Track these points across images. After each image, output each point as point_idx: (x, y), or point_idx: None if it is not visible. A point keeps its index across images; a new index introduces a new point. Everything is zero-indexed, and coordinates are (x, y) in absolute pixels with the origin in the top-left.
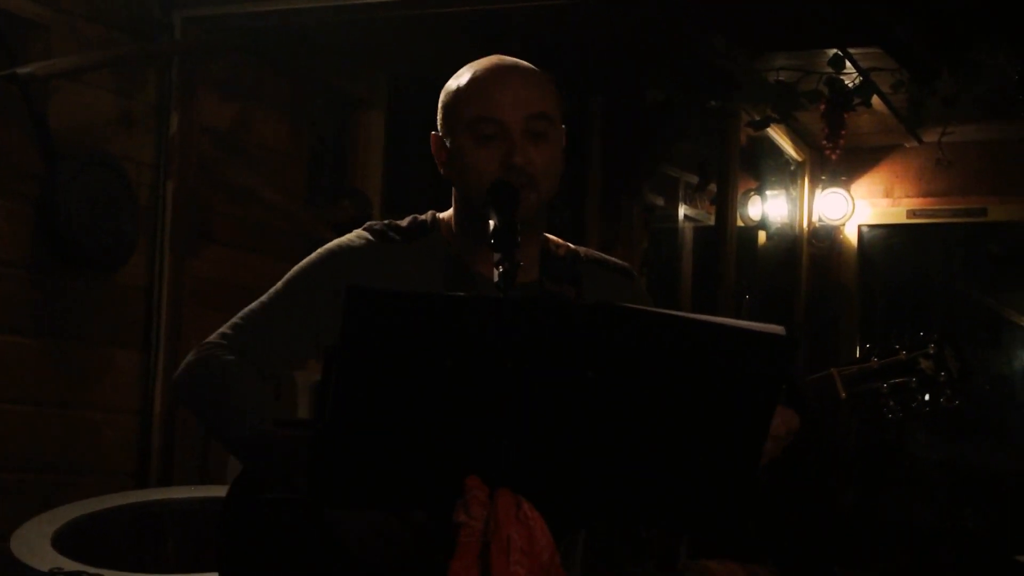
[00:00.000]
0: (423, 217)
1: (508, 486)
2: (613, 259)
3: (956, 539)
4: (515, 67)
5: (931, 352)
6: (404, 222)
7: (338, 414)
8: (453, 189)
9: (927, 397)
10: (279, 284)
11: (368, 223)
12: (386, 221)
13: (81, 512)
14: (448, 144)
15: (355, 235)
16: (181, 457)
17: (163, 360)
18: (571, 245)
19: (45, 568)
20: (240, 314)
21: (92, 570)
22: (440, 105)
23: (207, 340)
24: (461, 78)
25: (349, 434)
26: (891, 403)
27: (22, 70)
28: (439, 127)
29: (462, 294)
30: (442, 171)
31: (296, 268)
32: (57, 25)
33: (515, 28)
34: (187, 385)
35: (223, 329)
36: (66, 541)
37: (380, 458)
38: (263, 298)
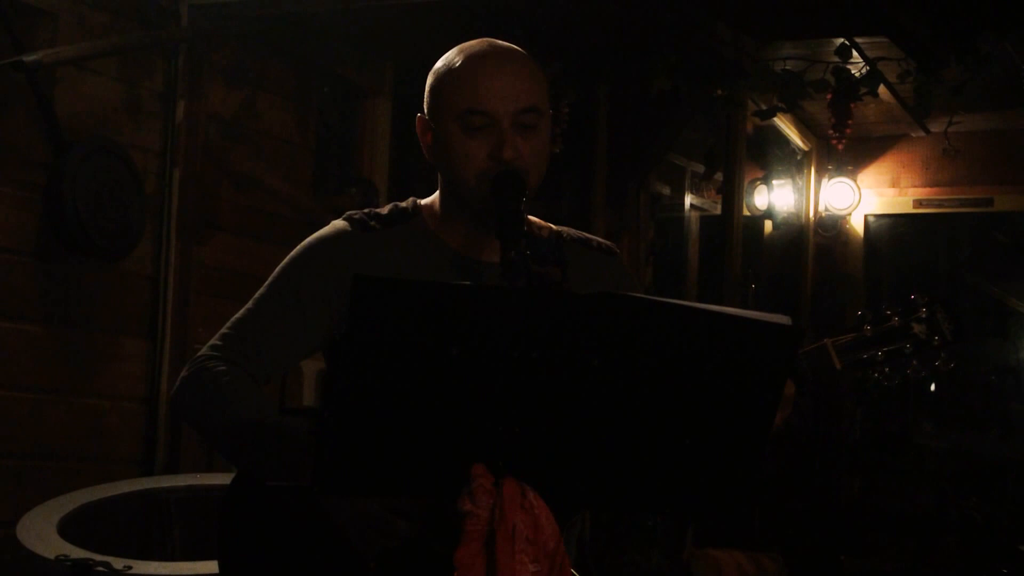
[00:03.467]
0: (403, 204)
1: (514, 475)
2: (595, 238)
3: (961, 528)
4: (506, 56)
5: (923, 316)
6: (384, 209)
7: (345, 402)
8: (439, 174)
9: (922, 362)
10: (264, 287)
11: (347, 212)
12: (365, 210)
13: (87, 499)
14: (435, 129)
15: (334, 226)
16: (187, 444)
17: (169, 348)
18: (553, 226)
19: (51, 555)
20: (228, 323)
21: (98, 557)
22: (428, 89)
23: (198, 354)
24: (451, 64)
25: (355, 422)
26: (886, 370)
27: (29, 58)
28: (426, 110)
29: (468, 283)
30: (427, 154)
31: (279, 269)
32: (64, 13)
33: (521, 16)
34: (184, 401)
35: (213, 340)
36: (72, 528)
37: (386, 446)
38: (249, 304)
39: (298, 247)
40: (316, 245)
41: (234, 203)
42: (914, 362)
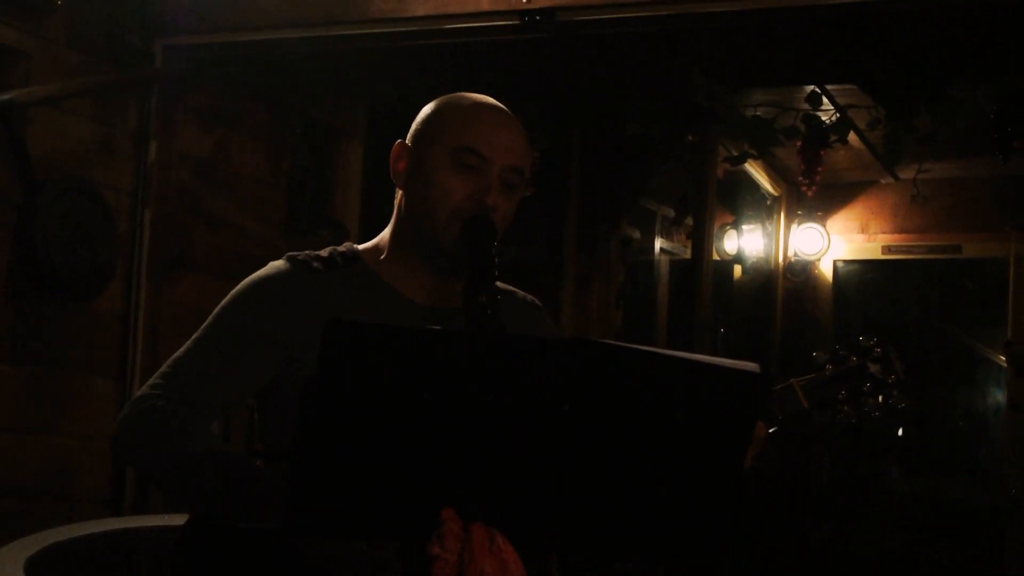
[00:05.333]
0: (342, 248)
1: (483, 519)
2: (521, 292)
3: (929, 573)
4: (509, 115)
5: (877, 355)
6: (324, 252)
7: (314, 446)
8: (399, 204)
9: (879, 400)
10: (204, 326)
11: (287, 253)
12: (306, 252)
13: (55, 539)
14: (417, 158)
15: (274, 266)
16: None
17: (139, 388)
18: None
19: None
20: (168, 362)
21: None
22: (423, 118)
23: (138, 394)
24: (458, 101)
25: (325, 466)
26: (845, 408)
27: (2, 97)
28: (412, 137)
29: (439, 328)
30: (396, 180)
31: (220, 308)
32: (38, 52)
33: (495, 61)
34: (128, 441)
35: (153, 379)
36: (40, 568)
37: (355, 489)
38: (189, 343)
39: (239, 286)
40: (258, 284)
41: (205, 243)
42: (871, 400)
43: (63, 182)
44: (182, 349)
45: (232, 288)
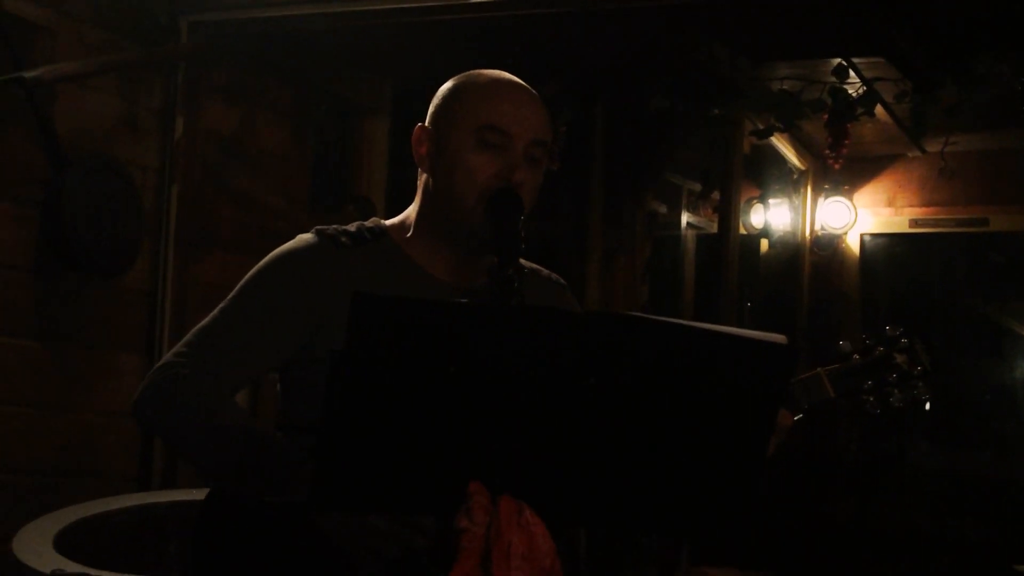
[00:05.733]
0: (369, 224)
1: (510, 492)
2: (546, 270)
3: (955, 548)
4: (528, 89)
5: (904, 346)
6: (352, 227)
7: (342, 419)
8: (425, 186)
9: (903, 392)
10: (230, 297)
11: (316, 227)
12: (334, 226)
13: (83, 514)
14: (440, 139)
15: (302, 239)
16: (184, 461)
17: None
18: None
19: (47, 570)
20: (193, 331)
21: (94, 572)
22: (441, 99)
23: (162, 361)
24: (475, 80)
25: (353, 439)
26: (871, 399)
27: (28, 74)
28: (432, 120)
29: (466, 301)
30: (419, 163)
31: (247, 279)
32: (63, 29)
33: (519, 36)
34: (150, 408)
35: (177, 348)
36: (68, 543)
37: (383, 464)
38: (215, 313)
39: (267, 258)
40: (285, 257)
41: (231, 220)
42: (896, 391)
43: (90, 159)
44: (208, 319)
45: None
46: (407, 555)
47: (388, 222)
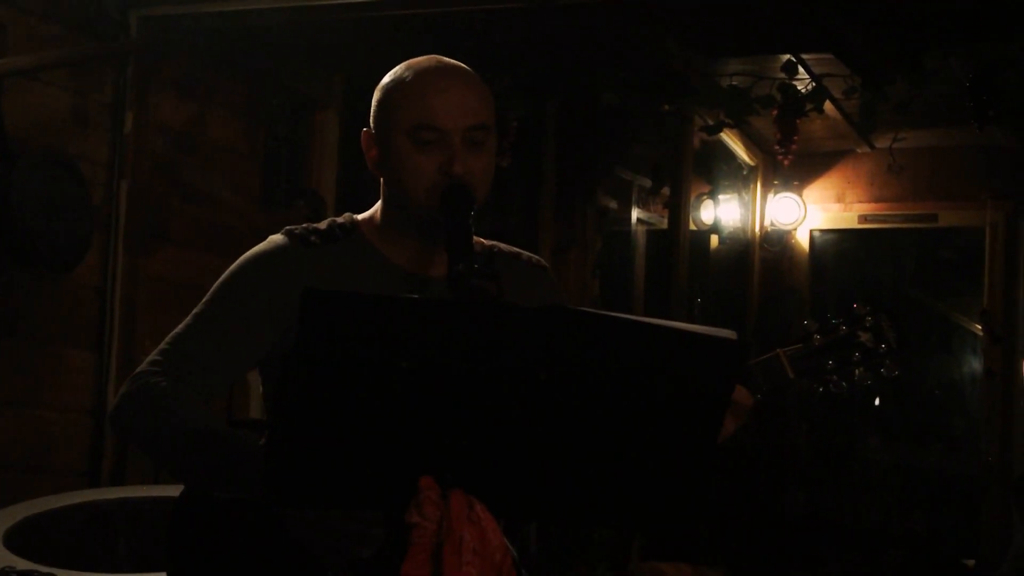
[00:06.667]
0: (341, 219)
1: (461, 487)
2: (526, 253)
3: (905, 542)
4: (456, 73)
5: (868, 324)
6: (322, 225)
7: (293, 415)
8: (383, 188)
9: (869, 369)
10: (203, 302)
11: (286, 227)
12: (304, 225)
13: (33, 511)
14: (383, 143)
15: (272, 241)
16: (133, 456)
17: (116, 360)
18: (484, 241)
19: None
20: (168, 339)
21: (44, 569)
22: (376, 103)
23: (138, 370)
24: (401, 79)
25: (304, 435)
26: (834, 378)
27: None
28: (372, 124)
29: (417, 296)
30: (372, 168)
31: (218, 283)
32: (14, 23)
33: (471, 30)
34: (125, 417)
35: (152, 356)
36: (18, 539)
37: (335, 459)
38: (188, 319)
39: (238, 261)
40: (256, 259)
41: (182, 215)
42: (861, 369)
43: (39, 153)
44: (181, 325)
45: (209, 259)
46: (373, 552)
47: (360, 216)
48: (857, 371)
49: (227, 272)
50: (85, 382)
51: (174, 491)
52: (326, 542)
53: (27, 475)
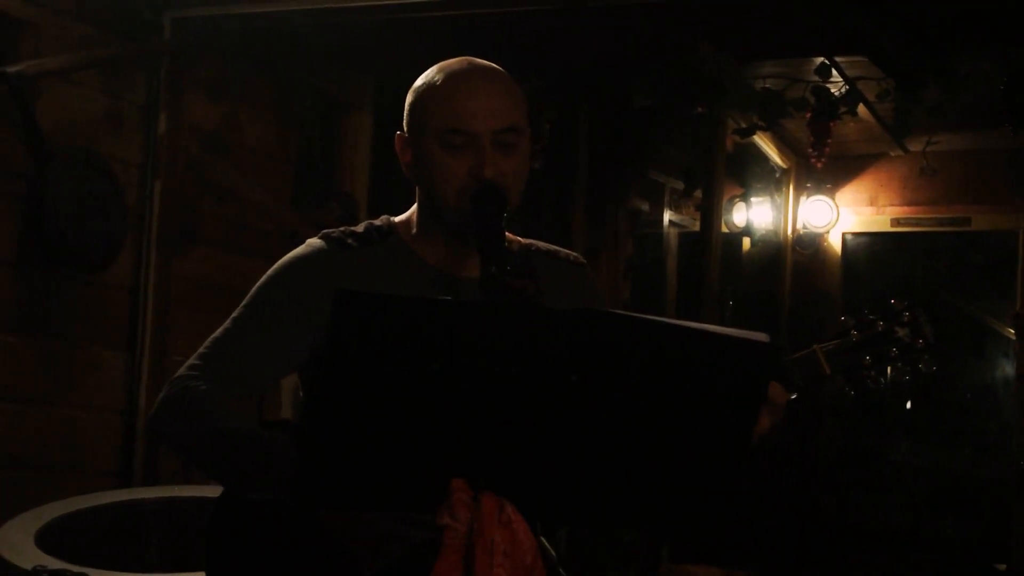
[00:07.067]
0: (378, 222)
1: (492, 489)
2: (563, 250)
3: (936, 546)
4: (486, 75)
5: (906, 320)
6: (359, 228)
7: (325, 416)
8: (417, 190)
9: (907, 364)
10: (241, 306)
11: (323, 231)
12: (341, 228)
13: (65, 510)
14: (415, 147)
15: (310, 245)
16: (164, 456)
17: (148, 360)
18: (522, 240)
19: (28, 566)
20: (207, 343)
21: (75, 568)
22: (408, 107)
23: (177, 374)
24: (432, 82)
25: (336, 436)
26: (872, 374)
27: (11, 69)
28: (405, 127)
29: (449, 298)
30: (406, 172)
31: (257, 287)
32: (47, 24)
33: (502, 33)
34: (164, 421)
35: (192, 360)
36: (50, 539)
37: (366, 460)
38: (227, 323)
39: (275, 265)
40: (294, 263)
41: (214, 216)
42: (899, 364)
43: (73, 154)
44: (220, 329)
45: (241, 260)
46: (409, 553)
47: (397, 219)
48: (897, 366)
49: (265, 276)
50: (117, 382)
51: (206, 491)
52: (365, 542)
53: (59, 475)
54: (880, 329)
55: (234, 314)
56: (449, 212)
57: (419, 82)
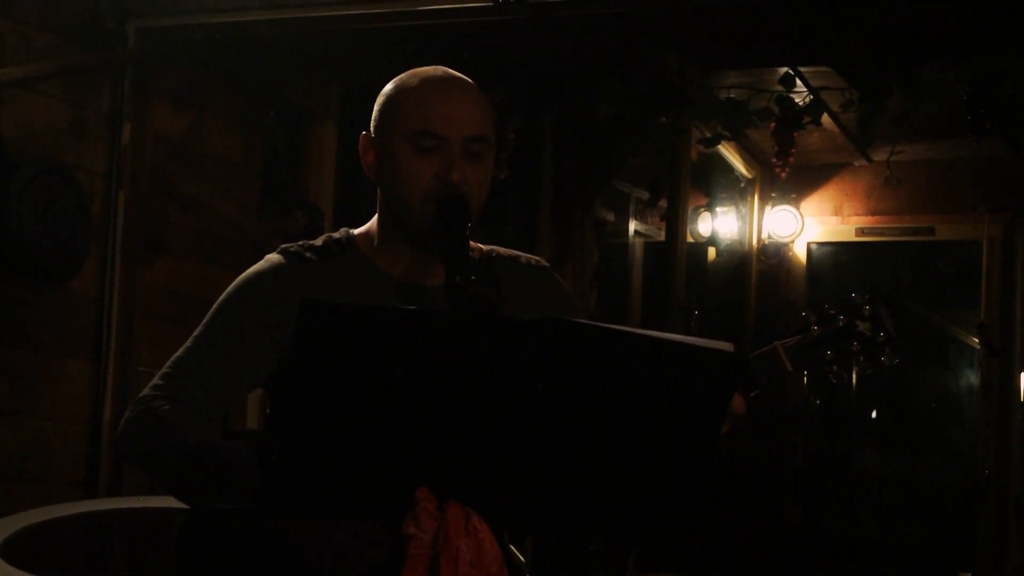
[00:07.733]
0: (337, 235)
1: (458, 498)
2: (525, 255)
3: (902, 554)
4: (460, 84)
5: (867, 314)
6: (318, 241)
7: (289, 426)
8: (379, 197)
9: (869, 359)
10: (202, 324)
11: (281, 246)
12: (300, 242)
13: (29, 521)
14: (381, 147)
15: (268, 260)
16: (130, 467)
17: (113, 370)
18: (483, 246)
19: None
20: (169, 363)
21: None
22: (379, 106)
23: (140, 395)
24: (407, 84)
25: (300, 446)
26: (835, 368)
27: None
28: (372, 129)
29: (413, 307)
30: (367, 172)
31: (216, 305)
32: (10, 33)
33: (468, 43)
34: (128, 441)
35: (155, 381)
36: (14, 550)
37: (331, 470)
38: (188, 342)
39: (234, 283)
40: (253, 280)
41: (179, 226)
42: (861, 359)
43: (36, 164)
44: (182, 348)
45: (206, 270)
46: (371, 571)
47: (357, 231)
48: (859, 359)
49: (225, 293)
50: (82, 392)
51: (172, 501)
52: (333, 548)
53: (24, 485)
54: (841, 324)
55: (195, 332)
56: (412, 216)
57: (391, 85)
